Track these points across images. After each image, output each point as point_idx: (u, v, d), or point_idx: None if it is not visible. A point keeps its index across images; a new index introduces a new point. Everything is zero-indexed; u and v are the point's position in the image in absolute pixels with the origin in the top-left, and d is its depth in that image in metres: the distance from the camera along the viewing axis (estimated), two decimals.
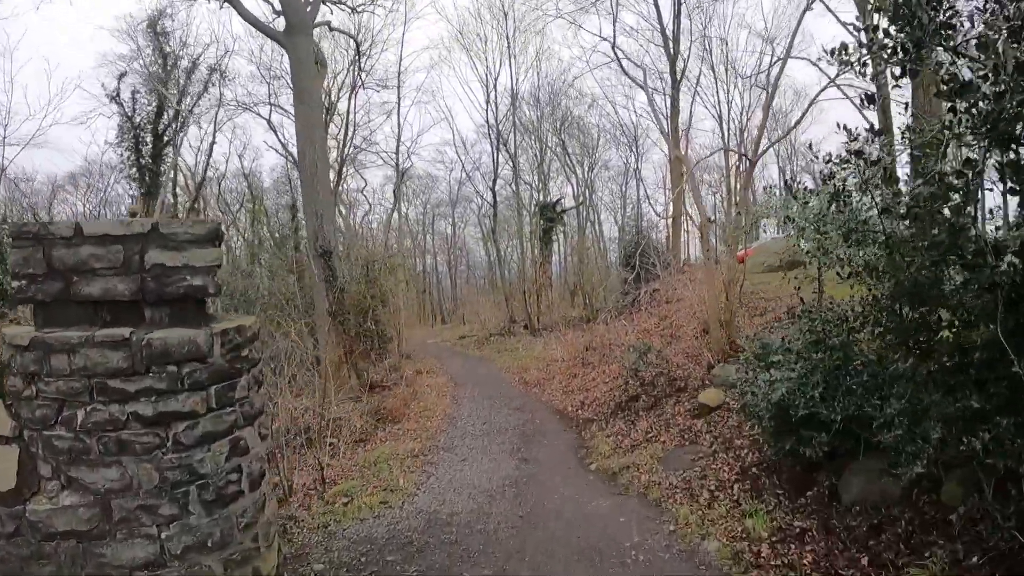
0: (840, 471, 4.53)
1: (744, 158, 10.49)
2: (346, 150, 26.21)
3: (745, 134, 28.39)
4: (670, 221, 23.21)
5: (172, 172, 26.78)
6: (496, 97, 27.48)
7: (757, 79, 15.13)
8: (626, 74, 13.80)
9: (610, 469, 6.21)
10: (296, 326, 12.19)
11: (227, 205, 33.80)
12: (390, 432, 9.64)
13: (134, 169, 24.89)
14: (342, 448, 8.56)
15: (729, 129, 28.29)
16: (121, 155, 25.00)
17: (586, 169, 33.69)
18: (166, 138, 25.11)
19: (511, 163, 27.41)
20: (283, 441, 7.50)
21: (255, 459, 3.03)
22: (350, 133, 26.09)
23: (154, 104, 24.92)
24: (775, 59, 15.45)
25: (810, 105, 9.38)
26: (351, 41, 24.39)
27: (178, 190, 28.01)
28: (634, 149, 31.41)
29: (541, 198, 30.02)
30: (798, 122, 9.39)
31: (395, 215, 29.02)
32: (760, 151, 9.87)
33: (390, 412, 10.89)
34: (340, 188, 27.05)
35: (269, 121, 26.53)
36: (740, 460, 5.38)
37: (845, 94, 10.94)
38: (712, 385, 7.91)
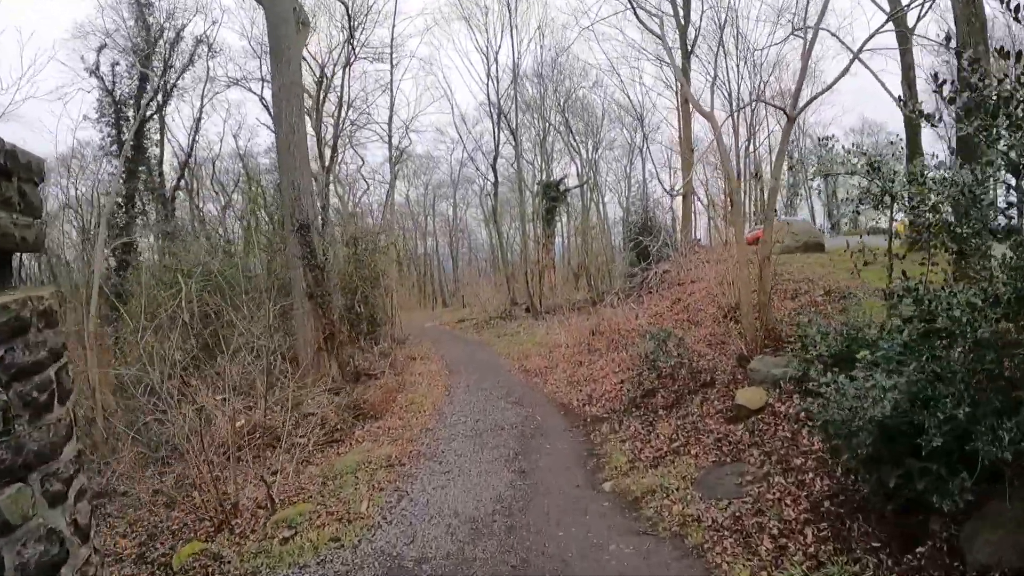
0: (961, 519, 3.19)
1: (781, 112, 9.06)
2: (341, 126, 24.73)
3: (753, 117, 26.81)
4: (680, 198, 21.73)
5: (159, 148, 25.52)
6: (497, 71, 26.07)
7: (796, 31, 13.55)
8: (640, 22, 12.23)
9: (630, 491, 4.86)
10: (273, 310, 10.88)
11: (222, 187, 32.44)
12: (368, 430, 8.37)
13: (115, 146, 23.82)
14: (308, 445, 7.33)
15: (739, 103, 26.57)
16: (101, 131, 23.90)
17: (590, 149, 32.22)
18: (149, 113, 23.89)
19: (513, 140, 25.93)
20: (230, 449, 6.25)
21: None
22: (344, 110, 24.57)
23: (136, 77, 23.66)
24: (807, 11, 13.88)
25: (849, 64, 7.92)
26: (345, 15, 22.75)
27: (166, 167, 26.69)
28: (640, 126, 29.75)
29: (544, 178, 28.76)
30: (844, 71, 7.92)
31: (391, 192, 27.48)
32: (799, 107, 8.42)
33: (372, 406, 9.62)
34: (337, 167, 25.67)
35: (261, 97, 25.05)
36: (805, 488, 4.01)
37: (867, 67, 9.75)
38: (748, 382, 6.57)
